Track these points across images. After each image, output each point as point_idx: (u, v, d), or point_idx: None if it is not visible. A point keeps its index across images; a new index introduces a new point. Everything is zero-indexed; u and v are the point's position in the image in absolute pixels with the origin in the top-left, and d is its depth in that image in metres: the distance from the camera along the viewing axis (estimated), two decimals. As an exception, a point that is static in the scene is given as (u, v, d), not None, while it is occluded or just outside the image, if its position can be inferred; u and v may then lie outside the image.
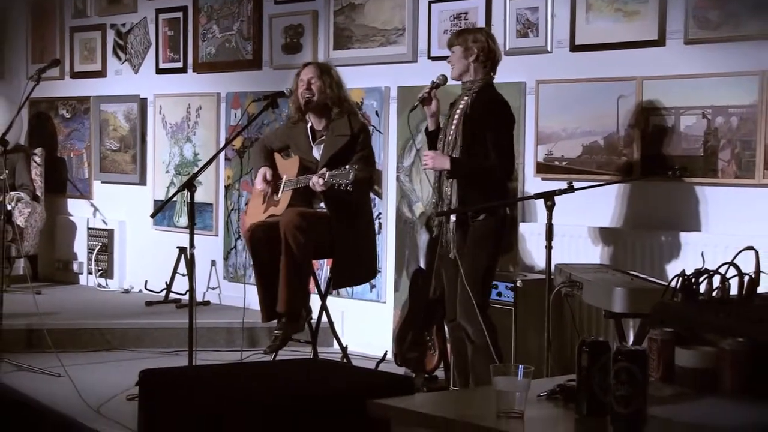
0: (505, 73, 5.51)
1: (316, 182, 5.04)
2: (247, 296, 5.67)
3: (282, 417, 3.30)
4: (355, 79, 6.00)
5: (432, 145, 4.83)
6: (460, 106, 4.73)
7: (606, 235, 5.26)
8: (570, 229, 5.23)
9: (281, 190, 5.38)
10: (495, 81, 4.83)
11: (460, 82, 4.80)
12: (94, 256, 7.98)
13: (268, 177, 5.36)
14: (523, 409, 2.33)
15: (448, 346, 5.20)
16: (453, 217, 4.67)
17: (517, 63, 5.60)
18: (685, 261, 4.85)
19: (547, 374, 4.13)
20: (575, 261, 5.07)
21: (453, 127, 4.72)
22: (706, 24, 4.99)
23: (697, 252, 4.85)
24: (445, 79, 4.83)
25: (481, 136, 4.64)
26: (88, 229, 8.10)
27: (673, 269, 4.74)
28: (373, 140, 5.65)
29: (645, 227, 5.19)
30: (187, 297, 5.25)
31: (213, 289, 7.21)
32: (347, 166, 4.95)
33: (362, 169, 5.08)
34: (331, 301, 5.55)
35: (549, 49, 5.56)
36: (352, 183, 4.89)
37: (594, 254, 5.23)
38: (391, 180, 6.26)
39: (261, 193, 5.48)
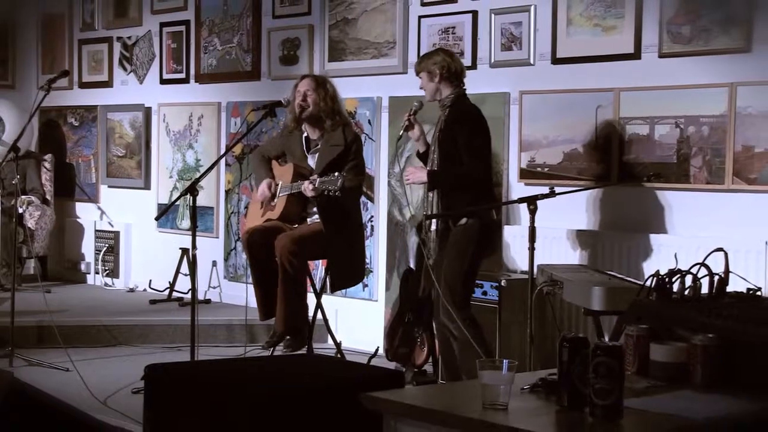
0: (490, 84, 5.55)
1: (307, 188, 5.07)
2: (247, 295, 5.67)
3: (279, 409, 3.30)
4: (348, 90, 6.01)
5: (425, 163, 4.91)
6: (439, 123, 4.82)
7: (585, 237, 5.27)
8: (551, 231, 5.24)
9: (277, 195, 5.39)
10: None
11: (437, 102, 4.87)
12: (100, 256, 7.97)
13: (272, 189, 5.39)
14: (507, 401, 2.34)
15: (436, 342, 5.20)
16: (434, 224, 4.72)
17: (501, 74, 5.62)
18: (659, 261, 4.87)
19: (529, 368, 4.14)
20: (556, 262, 5.08)
21: (434, 143, 4.81)
22: (679, 39, 5.01)
23: (670, 253, 4.87)
24: (421, 104, 4.93)
25: (454, 144, 4.70)
26: (96, 231, 8.09)
27: (647, 269, 4.76)
28: (365, 147, 5.66)
29: (622, 230, 5.21)
30: (189, 295, 5.26)
31: (214, 288, 7.21)
32: (336, 174, 4.96)
33: (352, 178, 5.11)
34: (325, 299, 5.55)
35: (532, 61, 5.57)
36: (340, 189, 4.91)
37: (574, 255, 5.24)
38: (382, 185, 6.26)
39: (260, 199, 5.49)
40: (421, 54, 5.99)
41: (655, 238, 5.02)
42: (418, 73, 4.91)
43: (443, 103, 4.83)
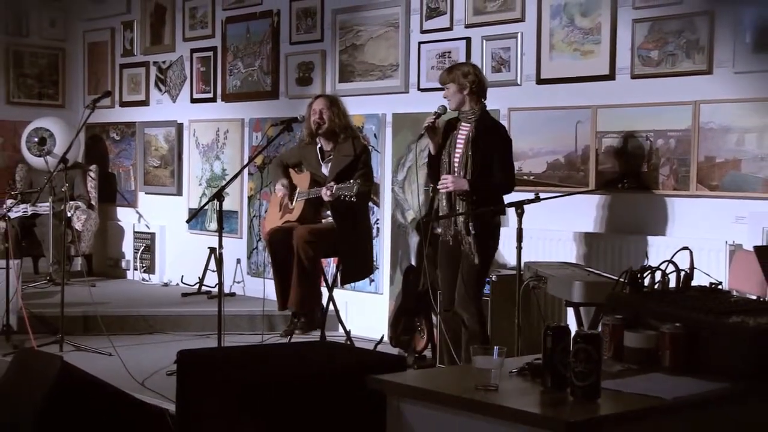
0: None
1: (325, 193, 5.06)
2: (266, 289, 5.67)
3: (295, 389, 3.30)
4: (356, 107, 6.00)
5: (434, 166, 4.71)
6: (463, 132, 4.63)
7: (567, 237, 5.26)
8: (537, 232, 5.23)
9: (295, 200, 5.39)
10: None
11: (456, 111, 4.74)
12: (138, 255, 7.98)
13: (285, 184, 5.40)
14: (497, 383, 2.33)
15: (435, 331, 5.19)
16: (471, 225, 4.57)
17: (492, 93, 5.55)
18: (631, 259, 4.86)
19: (517, 354, 4.13)
20: (541, 259, 5.07)
21: (459, 150, 4.61)
22: (648, 62, 5.01)
23: (642, 251, 4.87)
24: (444, 109, 4.72)
25: (489, 158, 4.56)
26: (134, 232, 8.09)
27: (622, 265, 4.74)
28: (372, 158, 5.65)
29: (600, 231, 5.20)
30: (216, 289, 5.25)
31: (238, 282, 7.21)
32: (351, 181, 4.97)
33: (363, 184, 5.10)
34: (337, 293, 5.55)
35: (519, 82, 5.57)
36: (355, 195, 4.90)
37: (557, 253, 5.23)
38: (387, 191, 6.26)
39: (278, 202, 5.49)
40: (420, 74, 6.02)
41: (629, 238, 5.01)
42: (445, 83, 4.66)
43: (467, 116, 4.63)
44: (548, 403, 2.29)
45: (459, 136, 4.66)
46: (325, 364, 3.61)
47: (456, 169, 4.63)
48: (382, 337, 5.61)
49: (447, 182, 4.58)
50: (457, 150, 4.65)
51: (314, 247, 5.08)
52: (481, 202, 4.57)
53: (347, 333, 5.47)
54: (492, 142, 4.58)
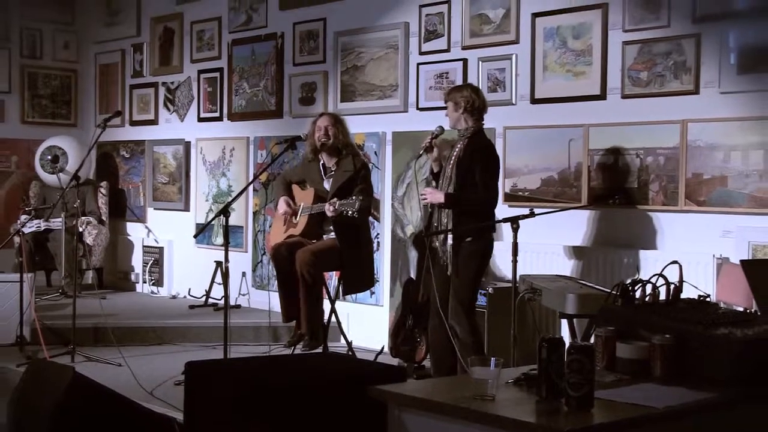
0: (478, 122, 5.52)
1: (328, 209, 5.06)
2: (271, 301, 5.66)
3: (299, 399, 3.29)
4: (357, 126, 6.02)
5: (438, 182, 4.78)
6: (456, 150, 4.70)
7: (561, 251, 5.26)
8: (531, 246, 5.23)
9: (299, 214, 5.39)
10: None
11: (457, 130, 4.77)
12: (147, 268, 7.97)
13: (291, 204, 5.41)
14: (494, 393, 2.33)
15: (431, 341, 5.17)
16: (449, 240, 4.62)
17: (488, 113, 5.60)
18: (623, 272, 4.86)
19: (513, 365, 4.12)
20: (536, 272, 5.07)
21: (450, 166, 4.69)
22: (638, 83, 5.02)
23: (633, 264, 4.88)
24: (442, 129, 4.81)
25: (471, 174, 4.60)
26: (143, 246, 8.09)
27: (613, 278, 4.74)
28: (372, 174, 5.66)
29: (592, 245, 5.20)
30: (222, 302, 5.24)
31: (243, 295, 7.20)
32: (353, 197, 4.97)
33: (363, 200, 5.10)
34: (339, 305, 5.54)
35: (514, 101, 5.58)
36: (358, 211, 4.90)
37: (551, 266, 5.23)
38: (387, 207, 6.26)
39: (282, 217, 5.49)
40: (419, 94, 6.04)
41: (620, 252, 5.01)
42: (446, 102, 4.77)
43: (462, 133, 4.69)
44: (544, 412, 2.29)
45: (453, 153, 4.71)
46: (328, 374, 3.60)
47: (445, 185, 4.68)
48: (383, 348, 5.60)
49: (425, 195, 4.68)
50: (449, 166, 4.70)
51: (316, 267, 5.10)
52: (462, 215, 4.59)
53: (349, 344, 5.46)
54: (475, 158, 4.62)
